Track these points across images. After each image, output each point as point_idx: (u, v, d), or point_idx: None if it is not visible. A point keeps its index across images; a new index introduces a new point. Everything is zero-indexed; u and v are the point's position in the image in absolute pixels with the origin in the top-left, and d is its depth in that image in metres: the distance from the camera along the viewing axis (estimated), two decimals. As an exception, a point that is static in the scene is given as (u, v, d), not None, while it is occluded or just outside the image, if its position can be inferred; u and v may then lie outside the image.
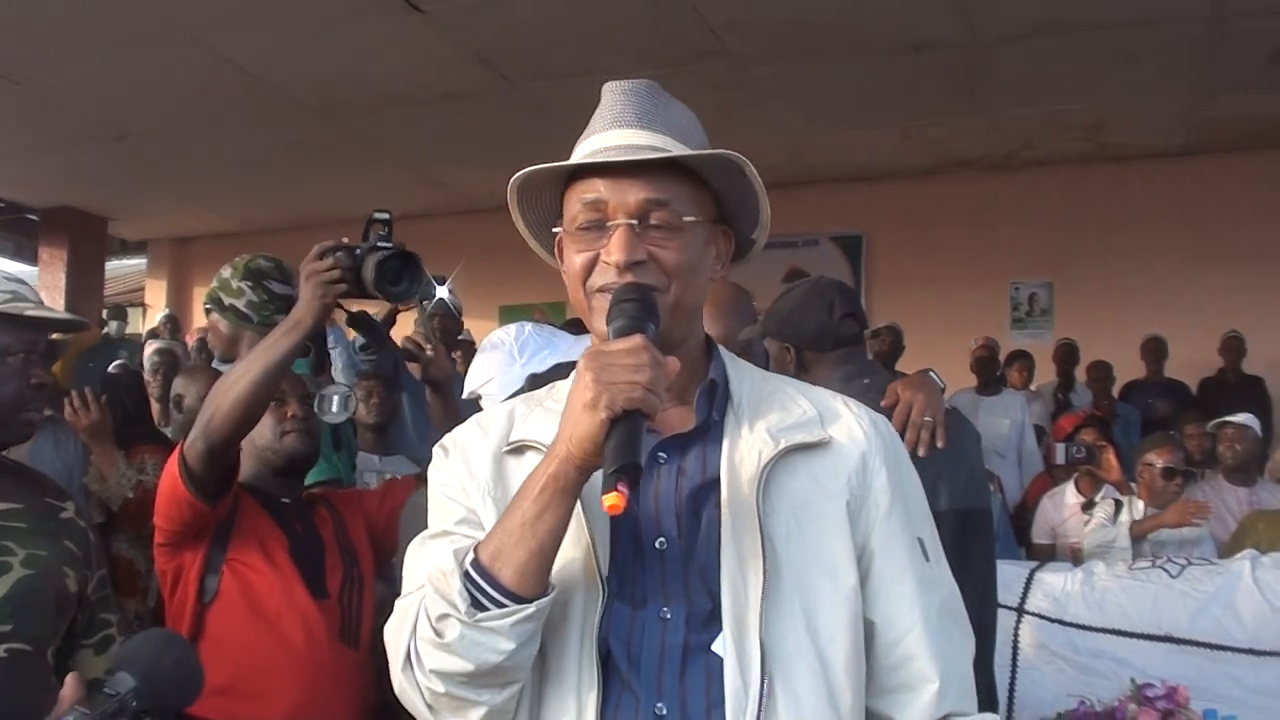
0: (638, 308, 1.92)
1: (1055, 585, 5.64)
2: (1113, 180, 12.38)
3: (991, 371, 11.03)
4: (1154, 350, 11.51)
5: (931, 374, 3.87)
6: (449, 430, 3.49)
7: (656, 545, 1.97)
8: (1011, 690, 5.18)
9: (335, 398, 4.54)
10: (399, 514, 4.06)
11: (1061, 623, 5.50)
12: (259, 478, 3.95)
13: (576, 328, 5.22)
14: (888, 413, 3.23)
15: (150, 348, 9.89)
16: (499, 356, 3.83)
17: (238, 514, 3.82)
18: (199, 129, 11.32)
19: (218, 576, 3.74)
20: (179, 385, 5.64)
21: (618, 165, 1.99)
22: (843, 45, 9.46)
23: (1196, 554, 6.09)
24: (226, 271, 4.61)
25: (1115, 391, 11.25)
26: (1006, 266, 13.01)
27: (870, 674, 2.02)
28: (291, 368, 3.68)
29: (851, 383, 3.59)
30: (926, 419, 3.58)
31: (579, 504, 1.90)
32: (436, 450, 2.18)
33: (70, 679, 2.11)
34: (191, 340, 11.53)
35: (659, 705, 1.89)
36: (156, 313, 15.39)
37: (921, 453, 3.48)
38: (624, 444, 1.77)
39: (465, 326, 9.45)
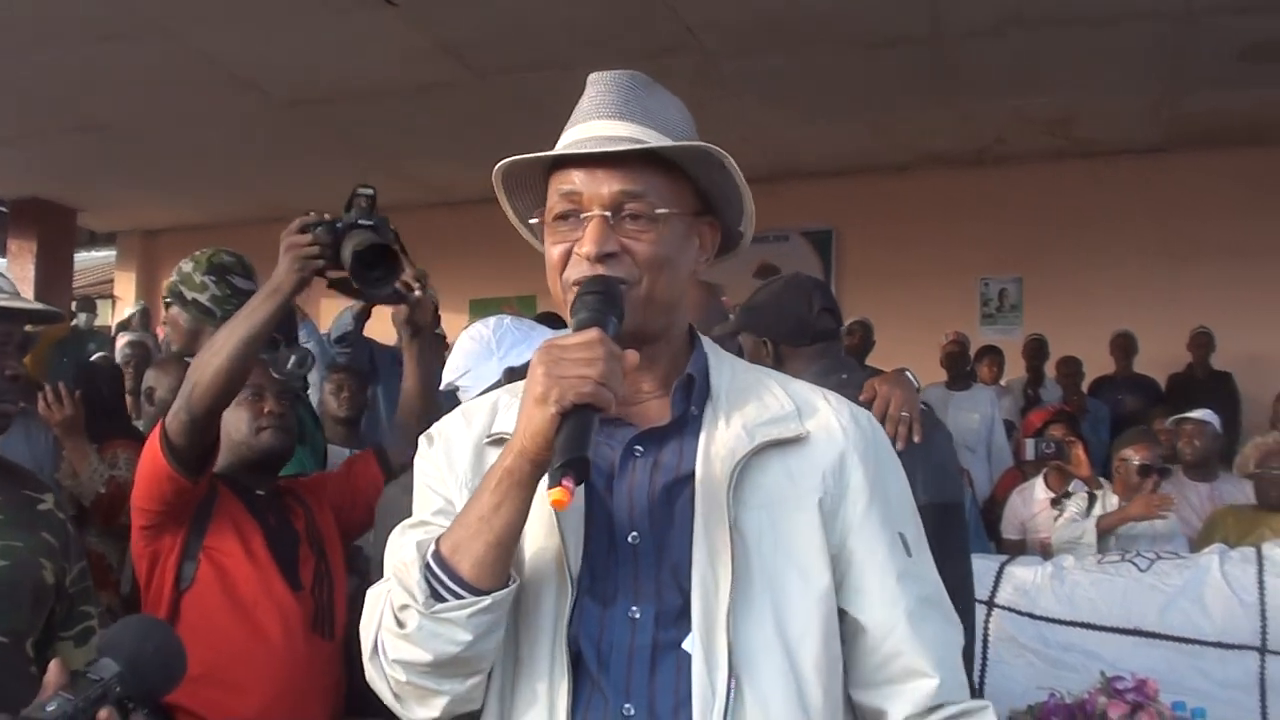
0: (600, 300, 1.92)
1: (1025, 579, 5.66)
2: (1083, 176, 12.40)
3: (962, 366, 11.05)
4: (1123, 346, 11.55)
5: (907, 373, 3.90)
6: (419, 384, 3.52)
7: (629, 540, 1.97)
8: (981, 683, 5.19)
9: (293, 357, 4.54)
10: (364, 491, 4.13)
11: (1031, 616, 5.52)
12: (234, 470, 3.94)
13: (551, 321, 5.21)
14: (865, 407, 3.25)
15: (122, 340, 9.87)
16: (477, 349, 3.81)
17: (215, 502, 3.82)
18: (168, 121, 11.27)
19: (195, 563, 3.74)
20: (150, 378, 5.62)
21: (594, 157, 1.98)
22: (813, 40, 9.45)
23: (1167, 549, 6.11)
24: (188, 265, 4.60)
25: (1085, 387, 11.30)
26: (976, 262, 13.04)
27: (859, 670, 2.02)
28: (269, 335, 3.67)
29: (828, 377, 3.60)
30: (903, 414, 3.60)
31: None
32: (422, 440, 2.20)
33: (54, 665, 2.10)
34: (163, 333, 11.51)
35: (626, 706, 1.89)
36: (125, 305, 15.32)
37: (899, 447, 3.49)
38: (572, 439, 1.77)
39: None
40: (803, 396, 2.12)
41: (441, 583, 1.86)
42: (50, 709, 1.98)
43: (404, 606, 1.88)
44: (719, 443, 2.00)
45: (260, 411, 3.95)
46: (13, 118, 11.25)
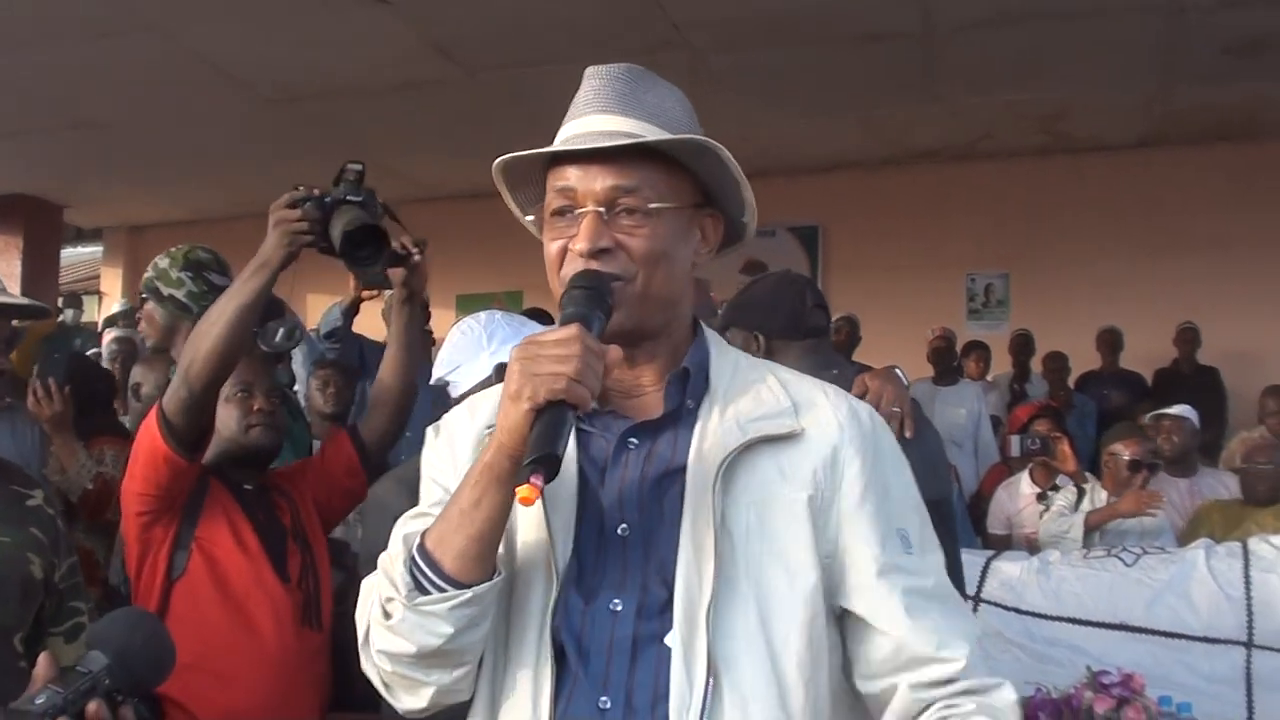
0: (586, 296, 1.91)
1: (1011, 574, 5.66)
2: (1070, 172, 12.41)
3: (948, 362, 11.04)
4: (1109, 341, 11.57)
5: (897, 370, 3.91)
6: (401, 351, 3.52)
7: (619, 532, 1.97)
8: (968, 678, 5.19)
9: (281, 329, 4.53)
10: (337, 475, 4.15)
11: (1018, 611, 5.52)
12: (223, 465, 3.96)
13: (539, 316, 5.21)
14: (860, 402, 3.26)
15: (109, 336, 9.82)
16: (467, 344, 3.82)
17: (207, 494, 3.84)
18: (156, 117, 11.23)
19: (186, 553, 3.75)
20: (137, 374, 5.61)
21: (588, 152, 1.98)
22: (800, 35, 9.43)
23: (1154, 545, 6.12)
24: (164, 261, 4.61)
25: (1071, 382, 11.28)
26: (963, 257, 13.04)
27: (868, 664, 2.00)
28: (262, 307, 3.68)
29: (820, 373, 3.57)
30: (894, 409, 3.61)
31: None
32: (430, 431, 2.20)
33: (43, 658, 2.10)
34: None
35: (603, 699, 1.89)
36: (112, 301, 15.28)
37: None
38: (543, 436, 1.77)
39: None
40: (803, 392, 2.10)
41: (425, 575, 1.87)
42: (39, 702, 1.98)
43: (389, 598, 1.89)
44: (711, 437, 1.99)
45: (249, 409, 3.97)
46: (-1, 113, 11.22)
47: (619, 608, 1.93)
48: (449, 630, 1.86)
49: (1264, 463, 6.80)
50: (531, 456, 1.74)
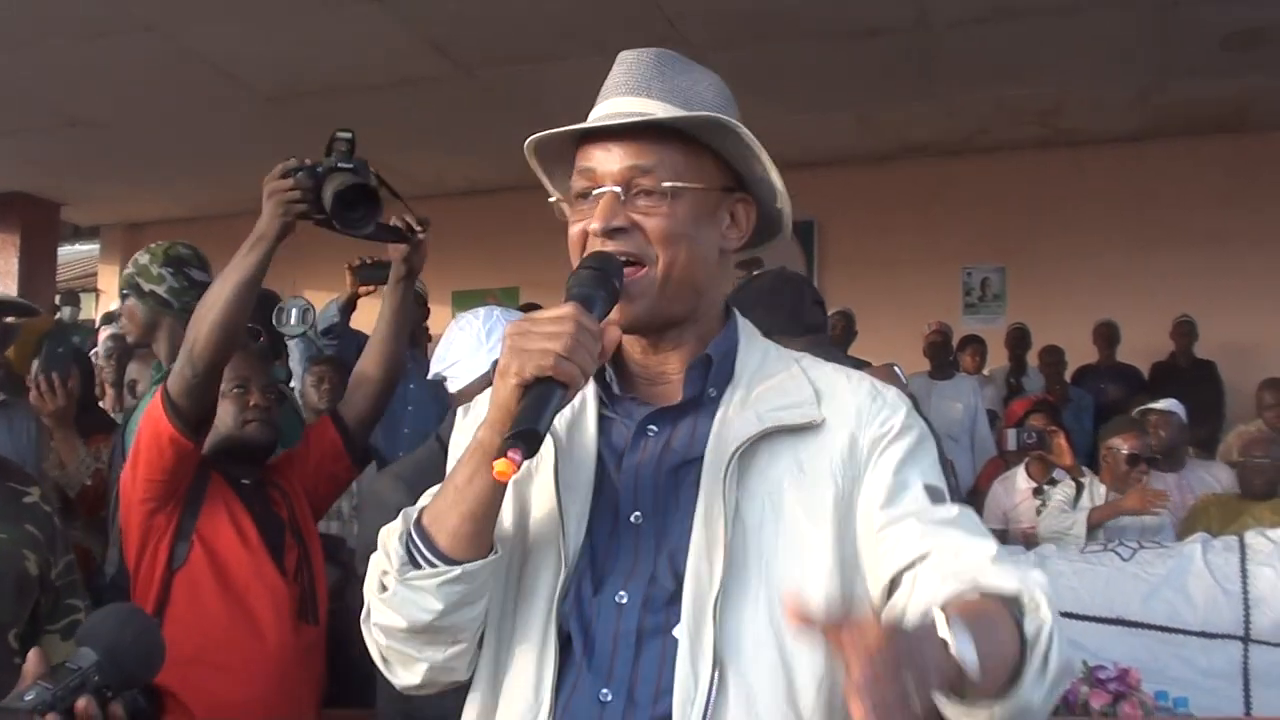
0: (592, 276, 1.89)
1: (1008, 569, 5.65)
2: (1066, 165, 12.42)
3: (944, 356, 11.05)
4: (1106, 335, 11.56)
5: (895, 369, 3.91)
6: (390, 328, 3.53)
7: (632, 520, 1.95)
8: (965, 672, 5.19)
9: (294, 310, 4.53)
10: (322, 461, 4.17)
11: (1014, 605, 5.51)
12: (221, 460, 3.96)
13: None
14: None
15: (104, 332, 9.80)
16: (466, 339, 3.83)
17: (207, 486, 3.85)
18: (152, 115, 11.24)
19: (188, 544, 3.77)
20: (133, 370, 5.62)
21: (610, 133, 1.97)
22: (796, 31, 9.45)
23: (1152, 540, 6.11)
24: (144, 258, 4.62)
25: (1067, 376, 11.26)
26: (959, 251, 13.05)
27: (922, 596, 1.82)
28: (260, 283, 3.69)
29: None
30: None
31: (554, 475, 1.91)
32: (459, 410, 2.20)
33: (33, 654, 2.11)
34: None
35: (604, 691, 1.86)
36: (109, 298, 15.27)
37: None
38: (526, 411, 1.76)
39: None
40: (827, 380, 2.05)
41: (419, 550, 1.88)
42: (28, 698, 1.99)
43: (385, 572, 1.90)
44: (730, 426, 1.96)
45: (246, 405, 3.97)
46: (-5, 111, 11.21)
47: (624, 600, 1.90)
48: (438, 606, 1.85)
49: (1261, 456, 6.80)
50: (513, 431, 1.73)
